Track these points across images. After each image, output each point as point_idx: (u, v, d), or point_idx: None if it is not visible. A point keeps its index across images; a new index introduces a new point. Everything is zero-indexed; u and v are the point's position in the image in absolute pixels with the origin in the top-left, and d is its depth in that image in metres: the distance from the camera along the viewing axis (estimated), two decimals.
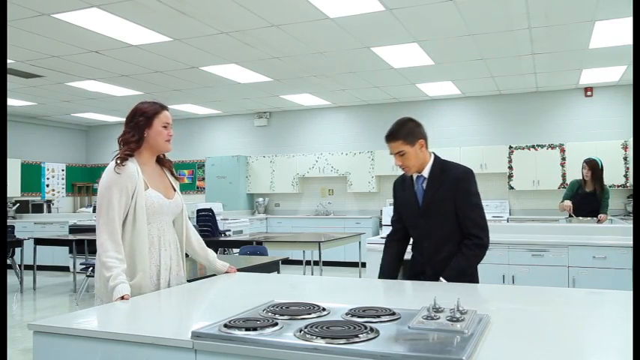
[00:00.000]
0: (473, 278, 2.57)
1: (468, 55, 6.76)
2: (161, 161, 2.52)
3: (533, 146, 8.89)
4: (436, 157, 2.60)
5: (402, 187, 2.68)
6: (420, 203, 2.57)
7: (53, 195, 11.73)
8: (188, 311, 2.13)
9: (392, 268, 2.70)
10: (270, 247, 5.83)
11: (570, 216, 5.58)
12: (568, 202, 5.59)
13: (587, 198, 5.57)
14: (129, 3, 4.80)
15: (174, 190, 2.51)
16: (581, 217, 5.49)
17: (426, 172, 2.56)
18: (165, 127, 2.41)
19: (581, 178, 5.72)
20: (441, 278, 2.44)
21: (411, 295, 2.27)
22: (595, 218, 5.46)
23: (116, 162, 2.30)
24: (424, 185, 2.56)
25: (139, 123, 2.37)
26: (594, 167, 5.58)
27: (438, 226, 2.53)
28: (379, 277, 2.66)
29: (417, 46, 6.31)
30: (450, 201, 2.49)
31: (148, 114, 2.38)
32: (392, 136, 2.52)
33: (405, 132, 2.51)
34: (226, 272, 2.71)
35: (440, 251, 2.52)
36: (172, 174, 2.56)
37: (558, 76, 8.07)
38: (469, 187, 2.51)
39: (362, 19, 5.30)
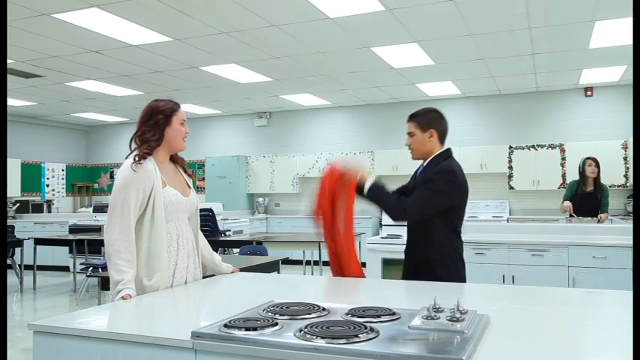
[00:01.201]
0: (443, 275, 2.47)
1: (468, 55, 6.76)
2: (174, 159, 2.51)
3: (533, 146, 8.89)
4: (443, 152, 2.61)
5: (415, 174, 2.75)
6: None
7: (53, 195, 11.74)
8: (188, 311, 2.13)
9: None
10: (270, 247, 5.83)
11: (571, 216, 5.58)
12: (567, 203, 5.57)
13: (586, 197, 5.56)
14: (129, 3, 4.80)
15: (189, 187, 2.51)
16: (581, 217, 5.48)
17: (426, 162, 2.62)
18: (182, 124, 2.42)
19: (578, 178, 5.69)
20: (369, 182, 2.50)
21: (411, 295, 2.27)
22: (595, 218, 5.45)
23: (134, 159, 2.28)
24: (420, 172, 2.65)
25: (160, 121, 2.35)
26: (599, 164, 5.56)
27: (416, 224, 2.58)
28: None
29: (417, 46, 6.31)
30: None
31: (167, 112, 2.37)
32: (410, 116, 2.66)
33: (423, 117, 2.61)
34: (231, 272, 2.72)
35: (416, 248, 2.56)
36: (185, 171, 2.55)
37: (558, 76, 8.07)
38: (436, 178, 2.49)
39: (362, 19, 5.30)
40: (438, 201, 2.47)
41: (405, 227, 2.68)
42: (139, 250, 2.25)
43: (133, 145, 2.39)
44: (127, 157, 2.36)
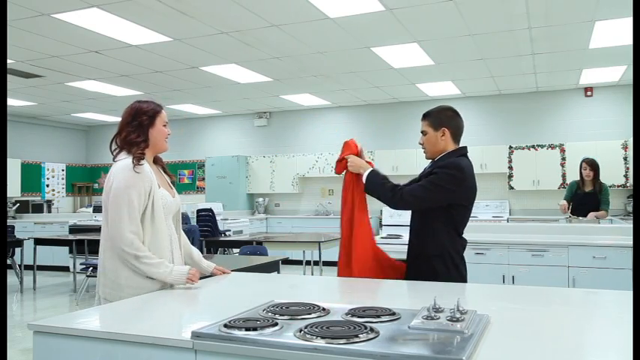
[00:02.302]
0: (449, 277, 2.48)
1: (468, 55, 6.76)
2: (154, 160, 2.50)
3: (533, 146, 8.89)
4: (454, 151, 2.57)
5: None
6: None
7: (53, 195, 11.74)
8: (188, 311, 2.13)
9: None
10: (270, 247, 5.83)
11: (570, 216, 5.58)
12: (563, 202, 5.60)
13: (586, 198, 5.57)
14: (129, 3, 4.80)
15: (171, 187, 2.51)
16: (581, 217, 5.49)
17: (436, 159, 2.58)
18: (164, 125, 2.41)
19: (579, 178, 5.69)
20: (370, 169, 2.51)
21: (411, 295, 2.27)
22: (596, 218, 5.45)
23: (133, 162, 2.26)
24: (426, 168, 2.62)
25: (144, 122, 2.34)
26: (596, 167, 5.57)
27: (418, 218, 2.56)
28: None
29: (417, 46, 6.31)
30: None
31: (150, 113, 2.36)
32: (423, 115, 2.65)
33: (435, 116, 2.60)
34: (212, 274, 2.61)
35: (417, 242, 2.54)
36: (166, 172, 2.54)
37: (558, 76, 8.07)
38: (439, 172, 2.47)
39: (362, 19, 5.30)
40: (437, 195, 2.43)
41: (408, 225, 2.66)
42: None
43: (114, 147, 2.38)
44: (115, 159, 2.34)
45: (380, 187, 2.50)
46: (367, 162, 2.63)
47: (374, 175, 2.54)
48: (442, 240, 2.49)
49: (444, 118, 2.58)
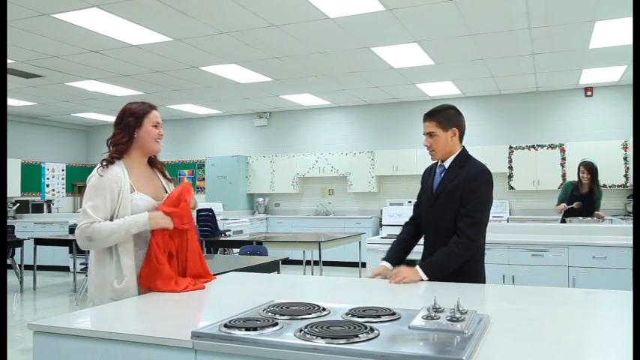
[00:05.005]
0: (478, 278, 2.50)
1: (468, 55, 6.76)
2: (152, 162, 2.49)
3: (533, 146, 8.89)
4: (463, 151, 2.54)
5: (429, 174, 2.64)
6: (433, 192, 2.54)
7: (53, 195, 11.74)
8: (188, 311, 2.13)
9: (399, 247, 2.69)
10: (270, 247, 5.83)
11: (565, 217, 5.60)
12: (563, 205, 5.62)
13: (582, 199, 5.56)
14: (129, 3, 4.80)
15: (166, 191, 2.47)
16: (573, 218, 5.50)
17: (447, 163, 2.52)
18: (155, 126, 2.38)
19: (576, 180, 5.70)
20: (418, 267, 2.39)
21: (411, 295, 2.27)
22: (591, 218, 5.46)
23: (101, 164, 2.28)
24: (442, 175, 2.54)
25: (129, 123, 2.33)
26: (593, 171, 5.56)
27: (442, 218, 2.49)
28: (388, 252, 2.66)
29: (417, 46, 6.31)
30: (458, 195, 2.44)
31: (138, 114, 2.35)
32: (429, 115, 2.52)
33: (443, 115, 2.51)
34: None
35: (441, 244, 2.46)
36: (164, 175, 2.52)
37: (558, 76, 8.07)
38: (479, 186, 2.45)
39: (362, 19, 5.30)
40: (488, 211, 2.47)
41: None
42: (109, 253, 2.25)
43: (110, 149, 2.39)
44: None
45: (449, 264, 2.40)
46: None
47: (432, 267, 2.40)
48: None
49: (452, 118, 2.52)
